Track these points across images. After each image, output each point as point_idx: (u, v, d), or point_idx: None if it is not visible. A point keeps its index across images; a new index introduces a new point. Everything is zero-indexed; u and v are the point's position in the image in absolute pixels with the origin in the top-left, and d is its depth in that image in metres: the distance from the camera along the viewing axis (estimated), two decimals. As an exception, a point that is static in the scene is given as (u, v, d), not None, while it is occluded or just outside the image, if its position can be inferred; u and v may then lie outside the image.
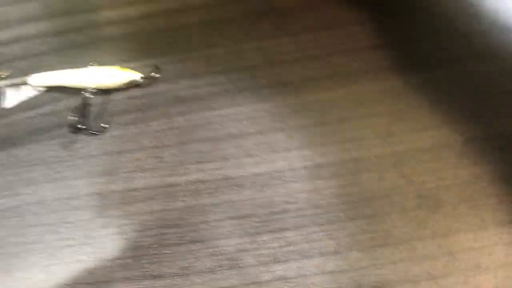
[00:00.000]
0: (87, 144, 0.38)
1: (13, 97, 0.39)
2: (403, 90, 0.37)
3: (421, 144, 0.36)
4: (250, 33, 0.39)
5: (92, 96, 0.37)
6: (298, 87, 0.37)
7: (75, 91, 0.38)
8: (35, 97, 0.39)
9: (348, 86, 0.37)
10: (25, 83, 0.38)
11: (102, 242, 0.36)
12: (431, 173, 0.35)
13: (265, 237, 0.35)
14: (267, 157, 0.36)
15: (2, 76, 0.39)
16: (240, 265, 0.34)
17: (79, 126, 0.37)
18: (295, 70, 0.38)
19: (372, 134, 0.36)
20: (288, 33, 0.38)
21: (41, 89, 0.39)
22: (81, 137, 0.38)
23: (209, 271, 0.34)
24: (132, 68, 0.38)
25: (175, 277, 0.35)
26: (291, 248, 0.34)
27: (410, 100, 0.37)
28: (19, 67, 0.40)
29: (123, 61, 0.39)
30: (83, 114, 0.37)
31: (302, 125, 0.37)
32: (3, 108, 0.39)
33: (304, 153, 0.36)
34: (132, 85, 0.38)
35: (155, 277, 0.35)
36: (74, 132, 0.38)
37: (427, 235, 0.34)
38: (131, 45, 0.39)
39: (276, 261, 0.34)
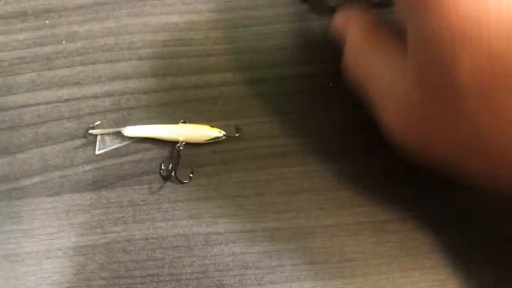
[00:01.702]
0: (174, 190, 0.42)
1: (106, 145, 0.43)
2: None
3: (469, 207, 0.41)
4: (320, 104, 0.45)
5: (181, 148, 0.42)
6: (365, 152, 0.43)
7: (164, 143, 0.43)
8: (126, 146, 0.43)
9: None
10: (118, 133, 0.43)
11: (187, 279, 0.39)
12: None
13: (337, 282, 0.39)
14: (336, 211, 0.41)
15: (95, 125, 0.43)
16: (315, 306, 0.39)
17: (168, 174, 0.42)
18: (362, 136, 0.43)
19: (432, 195, 0.42)
20: (355, 105, 0.44)
21: (133, 139, 0.43)
22: (169, 184, 0.42)
23: (287, 310, 0.38)
24: (216, 127, 0.43)
25: (256, 314, 0.38)
26: (360, 292, 0.39)
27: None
28: (110, 118, 0.44)
29: (207, 120, 0.44)
30: (173, 164, 0.42)
31: (367, 185, 0.42)
32: (96, 154, 0.43)
33: (369, 210, 0.41)
34: (216, 141, 0.43)
35: (237, 313, 0.38)
36: (163, 179, 0.42)
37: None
38: (214, 107, 0.44)
39: (348, 303, 0.39)
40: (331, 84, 0.45)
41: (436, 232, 0.40)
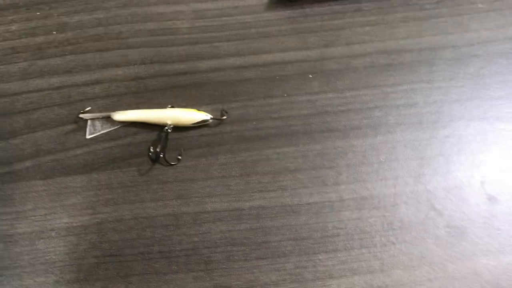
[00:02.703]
0: (163, 172, 0.43)
1: (96, 130, 0.44)
2: (428, 141, 0.45)
3: (447, 183, 0.43)
4: (302, 88, 0.46)
5: (169, 131, 0.44)
6: (344, 133, 0.44)
7: (153, 127, 0.44)
8: (116, 130, 0.45)
9: (385, 134, 0.44)
10: (108, 118, 0.44)
11: (176, 256, 0.41)
12: (457, 207, 0.42)
13: (320, 256, 0.41)
14: (320, 189, 0.43)
15: (85, 111, 0.45)
16: (299, 279, 0.40)
17: (157, 156, 0.43)
18: (342, 118, 0.45)
19: (407, 174, 0.43)
20: (334, 90, 0.46)
21: (122, 123, 0.44)
22: (158, 166, 0.43)
23: (273, 284, 0.40)
24: (203, 111, 0.44)
25: (243, 288, 0.40)
26: (343, 266, 0.40)
27: (434, 149, 0.44)
28: (100, 104, 0.46)
29: (194, 105, 0.45)
30: (161, 147, 0.43)
31: (349, 164, 0.44)
32: (86, 138, 0.44)
33: (351, 187, 0.43)
34: (203, 124, 0.44)
35: None
36: (152, 162, 0.43)
37: (456, 257, 0.40)
38: (201, 92, 0.46)
39: (331, 276, 0.40)
40: (310, 76, 0.47)
41: (414, 209, 0.42)
